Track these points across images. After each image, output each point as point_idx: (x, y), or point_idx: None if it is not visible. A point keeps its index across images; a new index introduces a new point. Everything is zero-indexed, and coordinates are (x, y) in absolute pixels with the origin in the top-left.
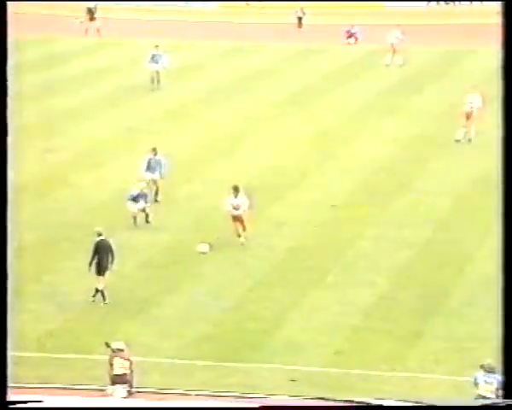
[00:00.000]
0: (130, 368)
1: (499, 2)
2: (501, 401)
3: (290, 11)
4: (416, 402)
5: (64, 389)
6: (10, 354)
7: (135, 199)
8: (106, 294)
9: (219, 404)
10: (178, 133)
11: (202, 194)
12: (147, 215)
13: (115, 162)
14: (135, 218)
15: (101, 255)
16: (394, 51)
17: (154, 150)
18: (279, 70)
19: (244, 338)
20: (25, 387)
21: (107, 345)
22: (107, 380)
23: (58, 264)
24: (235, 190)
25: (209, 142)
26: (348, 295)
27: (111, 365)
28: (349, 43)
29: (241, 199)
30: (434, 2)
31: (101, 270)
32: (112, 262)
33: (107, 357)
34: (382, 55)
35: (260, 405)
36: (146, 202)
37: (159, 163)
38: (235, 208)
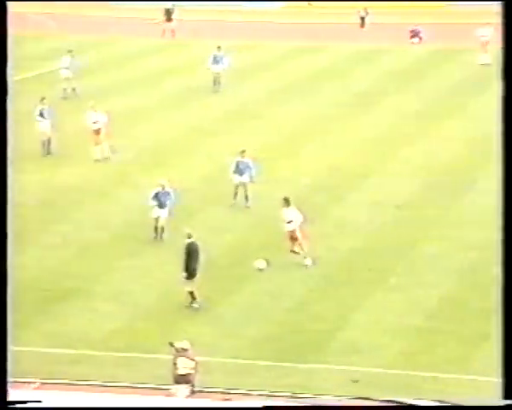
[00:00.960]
0: (195, 368)
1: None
2: (501, 401)
3: (352, 11)
4: (416, 402)
5: (128, 388)
6: (10, 354)
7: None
8: (196, 295)
9: (219, 404)
10: (241, 133)
11: (265, 194)
12: None
13: (178, 162)
14: None
15: (191, 258)
16: (485, 50)
17: (243, 153)
18: (342, 70)
19: (305, 339)
20: (91, 385)
21: (171, 345)
22: (171, 380)
23: (123, 263)
24: (286, 202)
25: (271, 142)
26: (412, 296)
27: (175, 364)
28: (413, 43)
29: (293, 213)
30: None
31: (191, 273)
32: (198, 267)
33: (171, 357)
34: (446, 55)
35: (261, 405)
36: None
37: (247, 166)
38: (288, 222)
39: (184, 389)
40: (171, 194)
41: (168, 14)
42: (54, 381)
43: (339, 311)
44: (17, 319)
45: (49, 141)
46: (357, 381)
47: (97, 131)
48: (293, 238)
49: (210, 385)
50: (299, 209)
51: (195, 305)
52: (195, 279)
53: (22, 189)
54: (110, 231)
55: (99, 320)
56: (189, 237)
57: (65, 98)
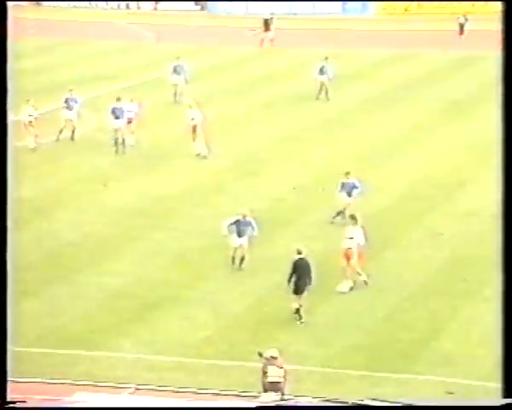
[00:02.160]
0: (284, 376)
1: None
2: (501, 401)
3: (451, 17)
4: (416, 402)
5: (217, 395)
6: (10, 354)
7: None
8: (302, 314)
9: (220, 404)
10: (335, 143)
11: (359, 204)
12: None
13: (272, 171)
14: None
15: (300, 274)
16: None
17: (348, 174)
18: (439, 78)
19: (397, 348)
20: (181, 392)
21: (260, 355)
22: (261, 388)
23: (217, 272)
24: (353, 219)
25: (365, 151)
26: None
27: (264, 373)
28: None
29: (357, 232)
30: None
31: (298, 289)
32: (310, 283)
33: (260, 365)
34: None
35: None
36: None
37: (353, 186)
38: (348, 239)
39: (274, 396)
40: (253, 223)
41: (266, 24)
42: (148, 387)
43: (432, 321)
44: (113, 325)
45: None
46: (452, 393)
47: (194, 128)
48: (348, 256)
49: (300, 393)
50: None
51: (299, 323)
52: (303, 296)
53: (119, 196)
54: (205, 239)
55: (192, 328)
56: (299, 253)
57: (175, 103)
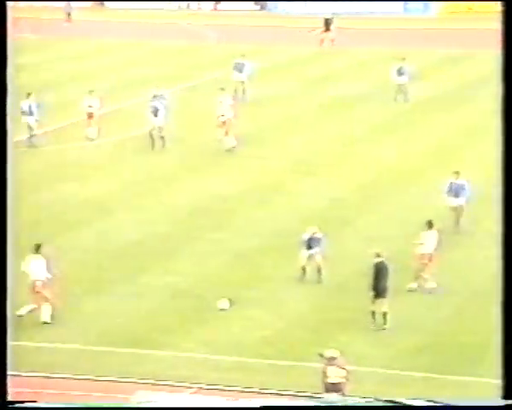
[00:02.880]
0: (346, 377)
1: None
2: (501, 401)
3: None
4: (416, 402)
5: (277, 395)
6: (10, 354)
7: None
8: (388, 317)
9: (220, 404)
10: (396, 143)
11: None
12: None
13: (331, 171)
14: None
15: (379, 277)
16: None
17: (457, 173)
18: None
19: (461, 351)
20: (242, 391)
21: (321, 355)
22: (322, 388)
23: (277, 272)
24: (429, 225)
25: (427, 152)
26: None
27: (324, 373)
28: None
29: (431, 237)
30: None
31: (379, 293)
32: (387, 286)
33: (321, 365)
34: None
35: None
36: None
37: (462, 187)
38: (421, 244)
39: (335, 397)
40: (322, 239)
41: (327, 24)
42: (209, 387)
43: (495, 324)
44: (175, 325)
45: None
46: None
47: (223, 123)
48: (422, 260)
49: (361, 395)
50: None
51: (385, 327)
52: (385, 300)
53: (181, 196)
54: (265, 239)
55: (252, 328)
56: (378, 256)
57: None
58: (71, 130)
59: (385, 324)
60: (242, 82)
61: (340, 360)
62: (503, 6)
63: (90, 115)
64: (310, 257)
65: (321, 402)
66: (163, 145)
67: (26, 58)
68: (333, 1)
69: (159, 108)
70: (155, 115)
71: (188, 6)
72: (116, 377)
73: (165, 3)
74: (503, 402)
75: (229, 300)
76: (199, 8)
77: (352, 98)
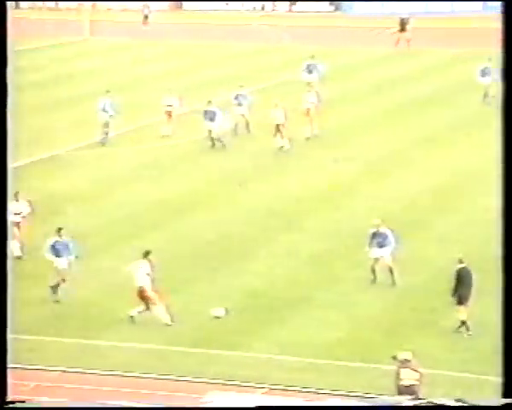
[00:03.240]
0: (419, 380)
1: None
2: (501, 401)
3: None
4: (415, 402)
5: (348, 396)
6: (10, 355)
7: None
8: (469, 324)
9: (220, 404)
10: (464, 146)
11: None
12: None
13: (405, 172)
14: None
15: (461, 284)
16: None
17: None
18: None
19: None
20: (315, 392)
21: (394, 358)
22: (395, 390)
23: (350, 273)
24: None
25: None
26: None
27: (398, 375)
28: None
29: None
30: None
31: (461, 299)
32: (470, 293)
33: (394, 367)
34: None
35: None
36: None
37: None
38: None
39: (408, 399)
40: (389, 234)
41: (403, 24)
42: (282, 387)
43: None
44: (248, 326)
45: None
46: None
47: (277, 127)
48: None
49: (435, 398)
50: None
51: (468, 334)
52: (467, 306)
53: (254, 197)
54: (338, 240)
55: (325, 329)
56: (461, 262)
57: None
58: (146, 131)
59: (468, 330)
60: (309, 83)
61: (414, 363)
62: (503, 6)
63: (169, 114)
64: (379, 258)
65: (327, 403)
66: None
67: (101, 60)
68: (410, 1)
69: (242, 103)
70: (239, 112)
71: (263, 7)
72: (189, 377)
73: (239, 5)
74: (502, 401)
75: (226, 309)
76: (273, 10)
77: (427, 99)
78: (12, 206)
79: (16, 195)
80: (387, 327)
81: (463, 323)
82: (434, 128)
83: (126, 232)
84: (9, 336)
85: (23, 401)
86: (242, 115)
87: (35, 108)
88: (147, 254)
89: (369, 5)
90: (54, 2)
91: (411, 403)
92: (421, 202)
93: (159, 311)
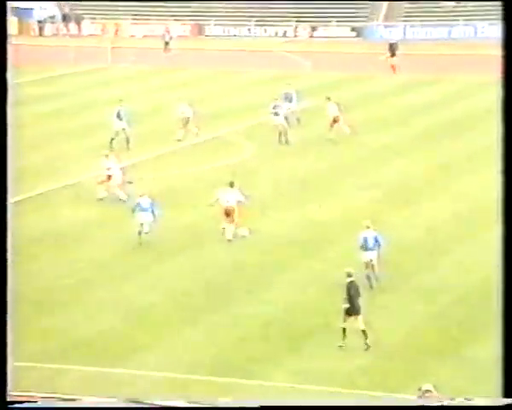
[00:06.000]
0: None
1: None
2: (501, 401)
3: None
4: (417, 402)
5: None
6: (10, 355)
7: None
8: (367, 334)
9: (219, 404)
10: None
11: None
12: None
13: (427, 200)
14: None
15: (352, 297)
16: None
17: None
18: None
19: None
20: None
21: (419, 389)
22: None
23: (371, 301)
24: None
25: None
26: None
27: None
28: None
29: None
30: None
31: (352, 311)
32: (359, 304)
33: (415, 397)
34: None
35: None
36: None
37: None
38: None
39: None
40: (378, 236)
41: (392, 49)
42: None
43: None
44: (266, 354)
45: None
46: None
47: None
48: None
49: None
50: None
51: (366, 343)
52: (357, 318)
53: (272, 224)
54: (357, 269)
55: (345, 357)
56: (349, 276)
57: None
58: (167, 159)
59: (365, 339)
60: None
61: (436, 394)
62: (503, 6)
63: (186, 121)
64: (369, 261)
65: (322, 402)
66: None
67: (121, 89)
68: (431, 27)
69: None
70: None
71: (284, 33)
72: (207, 404)
73: (262, 31)
74: (503, 402)
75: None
76: (295, 36)
77: (449, 125)
78: None
79: None
80: (410, 356)
81: (363, 332)
82: (456, 155)
83: (145, 260)
84: (27, 364)
85: (23, 402)
86: (277, 125)
87: (51, 136)
88: (232, 184)
89: (392, 31)
90: (77, 29)
91: (411, 403)
92: (441, 229)
93: (228, 228)
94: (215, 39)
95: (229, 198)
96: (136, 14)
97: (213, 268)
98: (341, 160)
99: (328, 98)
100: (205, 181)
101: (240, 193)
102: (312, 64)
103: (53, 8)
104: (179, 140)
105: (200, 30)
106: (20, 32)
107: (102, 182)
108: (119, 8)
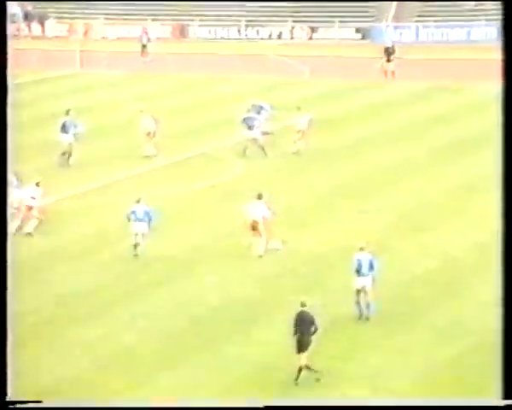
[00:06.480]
0: None
1: None
2: (501, 402)
3: None
4: (417, 402)
5: None
6: (10, 355)
7: None
8: (312, 368)
9: (219, 404)
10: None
11: None
12: None
13: (443, 226)
14: None
15: (302, 329)
16: None
17: None
18: None
19: None
20: None
21: None
22: None
23: (374, 342)
24: None
25: None
26: None
27: None
28: None
29: None
30: None
31: (302, 345)
32: (313, 334)
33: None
34: None
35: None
36: None
37: None
38: None
39: None
40: (373, 260)
41: (388, 53)
42: None
43: None
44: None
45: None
46: None
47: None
48: None
49: None
50: None
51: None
52: (306, 353)
53: (264, 256)
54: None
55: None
56: (303, 306)
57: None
58: (143, 177)
59: (313, 371)
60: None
61: None
62: (503, 6)
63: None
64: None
65: (320, 402)
66: None
67: (95, 96)
68: (446, 28)
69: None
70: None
71: (279, 35)
72: None
73: (254, 32)
74: (503, 402)
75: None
76: (292, 38)
77: (471, 140)
78: None
79: None
80: (427, 390)
81: (300, 370)
82: (477, 174)
83: (128, 291)
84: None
85: (23, 402)
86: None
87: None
88: (260, 196)
89: (403, 33)
90: (40, 29)
91: (411, 403)
92: (461, 259)
93: (256, 242)
94: (200, 42)
95: (256, 211)
96: (108, 13)
97: (201, 303)
98: (344, 181)
99: (299, 108)
100: (190, 203)
101: (266, 207)
102: (311, 70)
103: (13, 6)
104: (147, 156)
105: (182, 31)
106: None
107: (18, 211)
108: (90, 7)
